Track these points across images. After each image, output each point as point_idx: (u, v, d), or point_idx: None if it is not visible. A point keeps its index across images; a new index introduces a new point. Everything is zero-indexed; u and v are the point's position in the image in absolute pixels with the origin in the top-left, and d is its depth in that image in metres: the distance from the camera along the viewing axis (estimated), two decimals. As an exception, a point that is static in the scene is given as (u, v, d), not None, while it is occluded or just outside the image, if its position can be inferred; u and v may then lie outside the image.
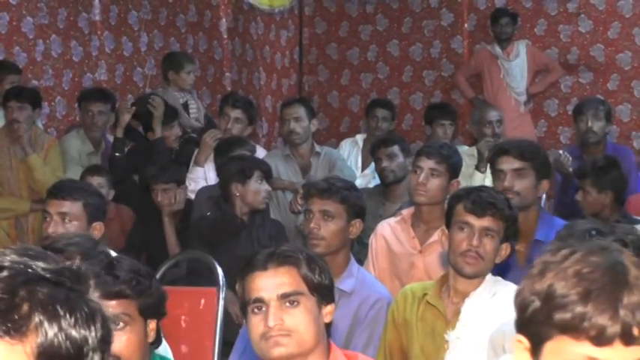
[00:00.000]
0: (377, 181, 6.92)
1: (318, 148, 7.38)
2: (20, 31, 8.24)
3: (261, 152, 7.29)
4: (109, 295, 3.08)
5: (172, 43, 9.54)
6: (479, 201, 3.88)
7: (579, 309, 1.74)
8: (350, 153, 8.17)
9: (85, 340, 1.47)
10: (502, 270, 4.09)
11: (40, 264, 1.50)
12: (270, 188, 6.01)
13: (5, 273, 1.48)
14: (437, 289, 4.04)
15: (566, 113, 9.83)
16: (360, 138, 8.31)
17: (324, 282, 3.02)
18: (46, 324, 1.45)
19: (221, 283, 4.59)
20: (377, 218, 5.76)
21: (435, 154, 5.21)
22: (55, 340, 1.45)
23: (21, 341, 1.44)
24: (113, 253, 3.58)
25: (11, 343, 1.44)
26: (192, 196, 6.63)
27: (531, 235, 4.72)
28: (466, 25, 10.58)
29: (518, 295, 1.83)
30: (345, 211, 4.35)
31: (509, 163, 4.90)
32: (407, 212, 5.27)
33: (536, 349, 1.78)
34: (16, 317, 1.44)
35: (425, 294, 4.05)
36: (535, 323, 1.78)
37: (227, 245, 5.58)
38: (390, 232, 5.20)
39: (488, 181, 5.94)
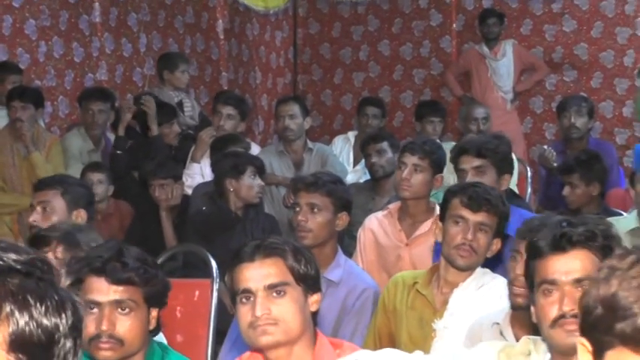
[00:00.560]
0: (368, 176, 6.92)
1: (310, 144, 7.40)
2: (23, 32, 8.25)
3: (255, 149, 7.31)
4: (118, 281, 3.13)
5: (171, 44, 9.56)
6: (475, 196, 3.89)
7: None
8: (342, 149, 8.18)
9: (57, 327, 1.49)
10: (491, 264, 4.10)
11: (12, 255, 1.51)
12: (263, 183, 6.03)
13: None
14: (427, 279, 4.06)
15: (551, 110, 9.84)
16: (351, 135, 8.32)
17: (310, 272, 3.04)
18: (17, 313, 1.46)
19: (215, 275, 4.60)
20: (367, 212, 5.75)
21: (418, 150, 5.21)
22: (27, 328, 1.46)
23: None
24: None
25: None
26: (189, 191, 6.65)
27: None
28: (454, 25, 10.59)
29: (583, 297, 1.76)
30: (332, 204, 4.35)
31: (468, 162, 4.93)
32: (394, 206, 5.28)
33: (597, 355, 1.72)
34: None
35: (415, 282, 4.07)
36: (598, 331, 1.71)
37: (222, 239, 5.59)
38: (377, 225, 5.21)
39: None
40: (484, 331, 3.45)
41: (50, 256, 3.58)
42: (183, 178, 6.71)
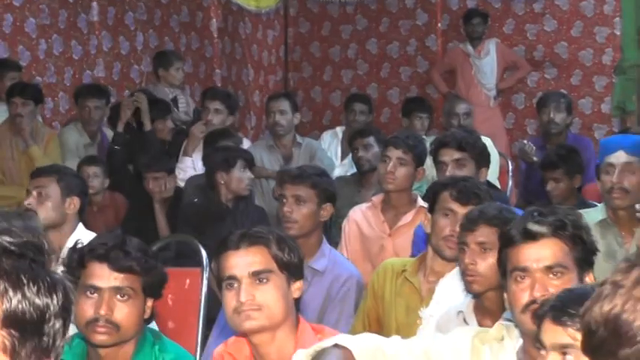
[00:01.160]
0: (355, 169, 6.93)
1: (299, 139, 7.42)
2: (24, 31, 8.26)
3: (246, 144, 7.33)
4: (119, 269, 3.16)
5: (166, 42, 9.56)
6: (464, 190, 3.89)
7: None
8: (330, 144, 8.19)
9: (47, 306, 1.51)
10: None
11: (6, 238, 1.54)
12: (252, 176, 6.04)
13: None
14: (415, 267, 4.07)
15: (532, 106, 9.79)
16: (339, 130, 8.33)
17: (293, 260, 3.06)
18: (10, 292, 1.48)
19: (205, 264, 4.61)
20: (354, 204, 5.73)
21: (401, 144, 5.21)
22: (19, 306, 1.48)
23: None
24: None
25: None
26: (182, 184, 6.66)
27: None
28: (440, 24, 10.59)
29: (585, 314, 1.65)
30: (316, 196, 4.35)
31: (449, 155, 4.94)
32: (377, 198, 5.29)
33: None
34: None
35: (404, 270, 4.08)
36: (601, 353, 1.61)
37: (213, 229, 5.59)
38: (361, 216, 5.23)
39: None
40: (450, 321, 3.47)
41: None
42: (176, 172, 6.73)
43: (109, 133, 7.58)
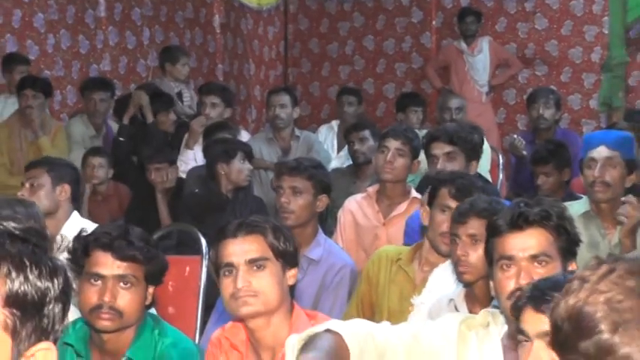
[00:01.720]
0: (350, 162, 6.94)
1: (297, 132, 7.43)
2: (32, 26, 8.26)
3: (245, 136, 7.33)
4: (123, 257, 3.18)
5: (172, 37, 9.57)
6: (462, 188, 3.86)
7: (606, 340, 1.51)
8: (327, 137, 8.20)
9: (48, 289, 1.51)
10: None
11: (10, 223, 1.55)
12: (251, 167, 6.04)
13: None
14: (410, 256, 4.06)
15: (523, 102, 9.78)
16: (335, 123, 8.34)
17: (289, 249, 3.07)
18: (13, 273, 1.49)
19: (205, 252, 4.61)
20: (349, 195, 5.74)
21: (400, 135, 5.21)
22: (22, 287, 1.49)
23: None
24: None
25: None
26: (184, 176, 6.66)
27: None
28: (434, 22, 10.58)
29: (552, 311, 1.61)
30: (313, 187, 4.35)
31: (440, 148, 4.93)
32: (372, 189, 5.29)
33: None
34: None
35: (399, 258, 4.07)
36: (564, 349, 1.57)
37: (213, 219, 5.57)
38: (356, 206, 5.22)
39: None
40: (442, 309, 3.47)
41: None
42: (178, 164, 6.72)
43: (114, 126, 7.59)
